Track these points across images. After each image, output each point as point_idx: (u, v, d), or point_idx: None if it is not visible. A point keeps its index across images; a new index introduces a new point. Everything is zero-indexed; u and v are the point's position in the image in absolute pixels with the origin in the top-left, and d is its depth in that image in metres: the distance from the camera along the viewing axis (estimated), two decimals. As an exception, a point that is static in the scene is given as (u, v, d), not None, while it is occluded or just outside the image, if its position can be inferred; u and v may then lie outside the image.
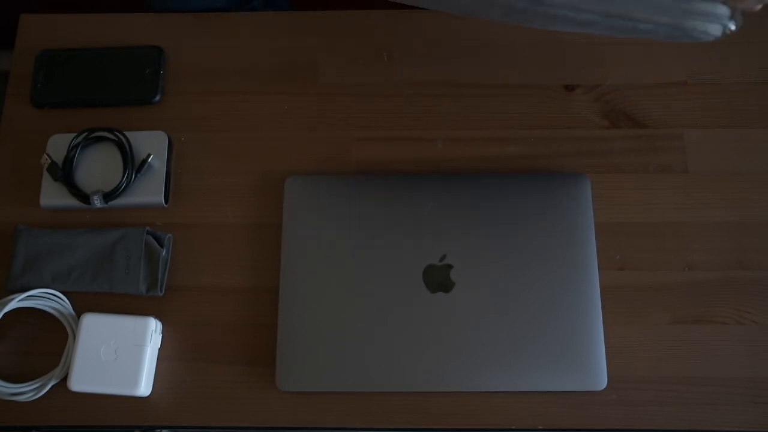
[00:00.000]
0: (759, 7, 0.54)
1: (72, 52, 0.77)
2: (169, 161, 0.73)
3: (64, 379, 0.65)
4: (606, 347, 0.65)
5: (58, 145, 0.72)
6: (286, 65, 0.77)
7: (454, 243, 0.67)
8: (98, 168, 0.72)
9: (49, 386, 0.65)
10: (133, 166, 0.71)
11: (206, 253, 0.71)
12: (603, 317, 0.66)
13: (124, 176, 0.70)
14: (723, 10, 0.54)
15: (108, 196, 0.70)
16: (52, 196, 0.71)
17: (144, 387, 0.65)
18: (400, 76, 0.76)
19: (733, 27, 0.55)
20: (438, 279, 0.66)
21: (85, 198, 0.70)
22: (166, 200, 0.72)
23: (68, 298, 0.68)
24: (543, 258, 0.67)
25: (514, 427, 0.65)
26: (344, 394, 0.66)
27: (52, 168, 0.71)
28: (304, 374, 0.65)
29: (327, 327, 0.65)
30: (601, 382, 0.64)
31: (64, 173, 0.71)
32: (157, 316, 0.68)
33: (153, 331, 0.66)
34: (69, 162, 0.71)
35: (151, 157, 0.72)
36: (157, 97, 0.75)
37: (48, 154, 0.72)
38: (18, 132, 0.75)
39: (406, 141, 0.74)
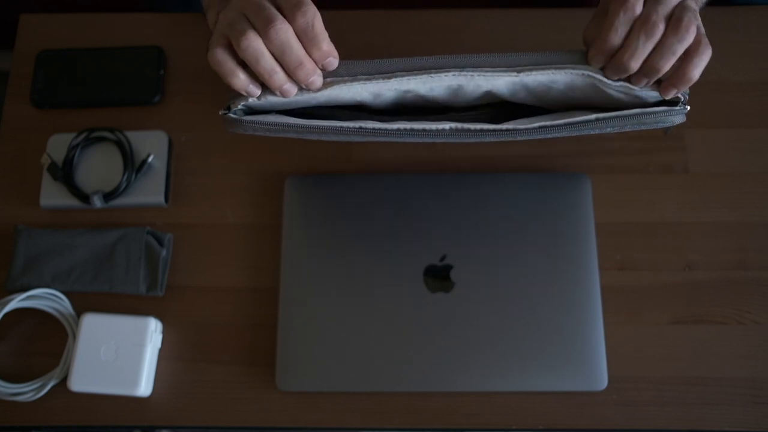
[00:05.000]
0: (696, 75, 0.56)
1: (72, 52, 0.77)
2: (169, 161, 0.73)
3: (64, 379, 0.65)
4: (606, 347, 0.65)
5: (58, 145, 0.72)
6: (286, 65, 0.77)
7: (454, 243, 0.67)
8: (98, 168, 0.72)
9: (49, 386, 0.65)
10: (133, 166, 0.71)
11: (206, 253, 0.71)
12: (603, 317, 0.66)
13: (124, 176, 0.70)
14: (678, 115, 0.57)
15: (108, 196, 0.70)
16: (52, 196, 0.71)
17: (144, 387, 0.65)
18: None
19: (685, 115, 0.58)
20: (438, 279, 0.66)
21: (85, 198, 0.70)
22: (166, 200, 0.72)
23: (68, 298, 0.68)
24: (543, 258, 0.67)
25: (514, 427, 0.65)
26: (344, 394, 0.66)
27: (52, 168, 0.71)
28: (304, 374, 0.65)
29: (327, 327, 0.65)
30: (602, 382, 0.64)
31: (64, 173, 0.71)
32: (157, 316, 0.68)
33: (153, 331, 0.66)
34: (69, 162, 0.71)
35: (151, 157, 0.72)
36: (157, 97, 0.75)
37: (48, 154, 0.72)
38: (18, 132, 0.75)
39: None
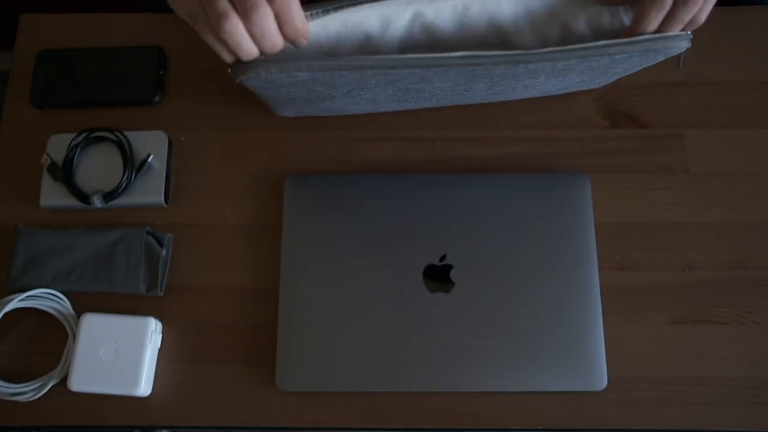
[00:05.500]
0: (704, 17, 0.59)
1: (72, 52, 0.77)
2: (169, 161, 0.73)
3: (64, 379, 0.65)
4: (606, 347, 0.65)
5: (58, 145, 0.72)
6: (286, 65, 0.77)
7: (454, 243, 0.67)
8: (98, 168, 0.72)
9: (49, 386, 0.65)
10: (133, 166, 0.71)
11: (206, 253, 0.71)
12: (603, 317, 0.66)
13: (124, 176, 0.71)
14: (684, 40, 0.58)
15: (108, 196, 0.70)
16: (52, 196, 0.71)
17: (144, 387, 0.65)
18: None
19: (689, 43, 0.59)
20: (438, 279, 0.66)
21: (85, 198, 0.70)
22: (166, 200, 0.72)
23: (68, 298, 0.68)
24: (543, 258, 0.67)
25: (514, 427, 0.65)
26: (344, 394, 0.66)
27: (52, 168, 0.71)
28: (304, 374, 0.65)
29: (327, 327, 0.65)
30: (601, 382, 0.64)
31: (64, 173, 0.71)
32: (157, 316, 0.68)
33: (153, 331, 0.66)
34: (69, 162, 0.71)
35: (151, 157, 0.72)
36: (157, 97, 0.75)
37: (48, 154, 0.72)
38: (18, 132, 0.75)
39: (406, 141, 0.74)
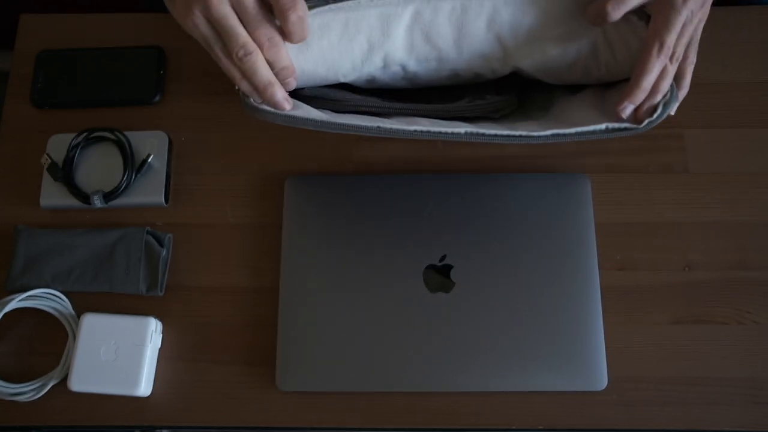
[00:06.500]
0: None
1: (72, 52, 0.77)
2: (169, 161, 0.73)
3: (64, 379, 0.65)
4: (606, 347, 0.65)
5: (58, 145, 0.72)
6: (286, 65, 0.77)
7: (454, 243, 0.67)
8: (98, 168, 0.72)
9: (49, 386, 0.65)
10: (133, 166, 0.71)
11: (206, 253, 0.71)
12: (603, 317, 0.66)
13: (124, 176, 0.71)
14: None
15: (108, 196, 0.70)
16: (52, 196, 0.71)
17: (144, 387, 0.65)
18: (400, 76, 0.76)
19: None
20: (438, 279, 0.66)
21: (85, 198, 0.70)
22: (166, 200, 0.72)
23: (68, 298, 0.68)
24: (543, 258, 0.67)
25: (514, 427, 0.65)
26: (344, 394, 0.66)
27: (52, 168, 0.71)
28: (304, 374, 0.65)
29: (327, 327, 0.65)
30: (601, 382, 0.64)
31: (64, 173, 0.71)
32: (157, 316, 0.68)
33: (153, 331, 0.66)
34: (69, 162, 0.71)
35: (151, 157, 0.72)
36: (157, 97, 0.75)
37: (48, 154, 0.72)
38: (18, 132, 0.75)
39: (406, 141, 0.74)
